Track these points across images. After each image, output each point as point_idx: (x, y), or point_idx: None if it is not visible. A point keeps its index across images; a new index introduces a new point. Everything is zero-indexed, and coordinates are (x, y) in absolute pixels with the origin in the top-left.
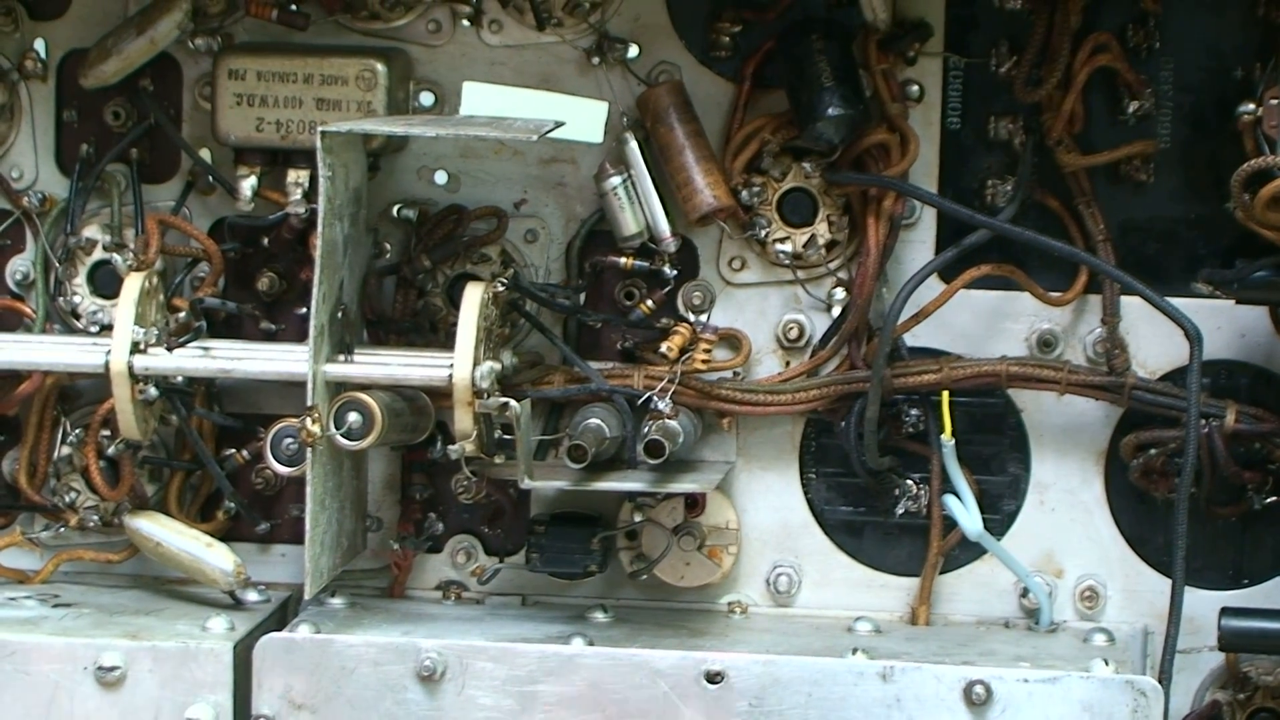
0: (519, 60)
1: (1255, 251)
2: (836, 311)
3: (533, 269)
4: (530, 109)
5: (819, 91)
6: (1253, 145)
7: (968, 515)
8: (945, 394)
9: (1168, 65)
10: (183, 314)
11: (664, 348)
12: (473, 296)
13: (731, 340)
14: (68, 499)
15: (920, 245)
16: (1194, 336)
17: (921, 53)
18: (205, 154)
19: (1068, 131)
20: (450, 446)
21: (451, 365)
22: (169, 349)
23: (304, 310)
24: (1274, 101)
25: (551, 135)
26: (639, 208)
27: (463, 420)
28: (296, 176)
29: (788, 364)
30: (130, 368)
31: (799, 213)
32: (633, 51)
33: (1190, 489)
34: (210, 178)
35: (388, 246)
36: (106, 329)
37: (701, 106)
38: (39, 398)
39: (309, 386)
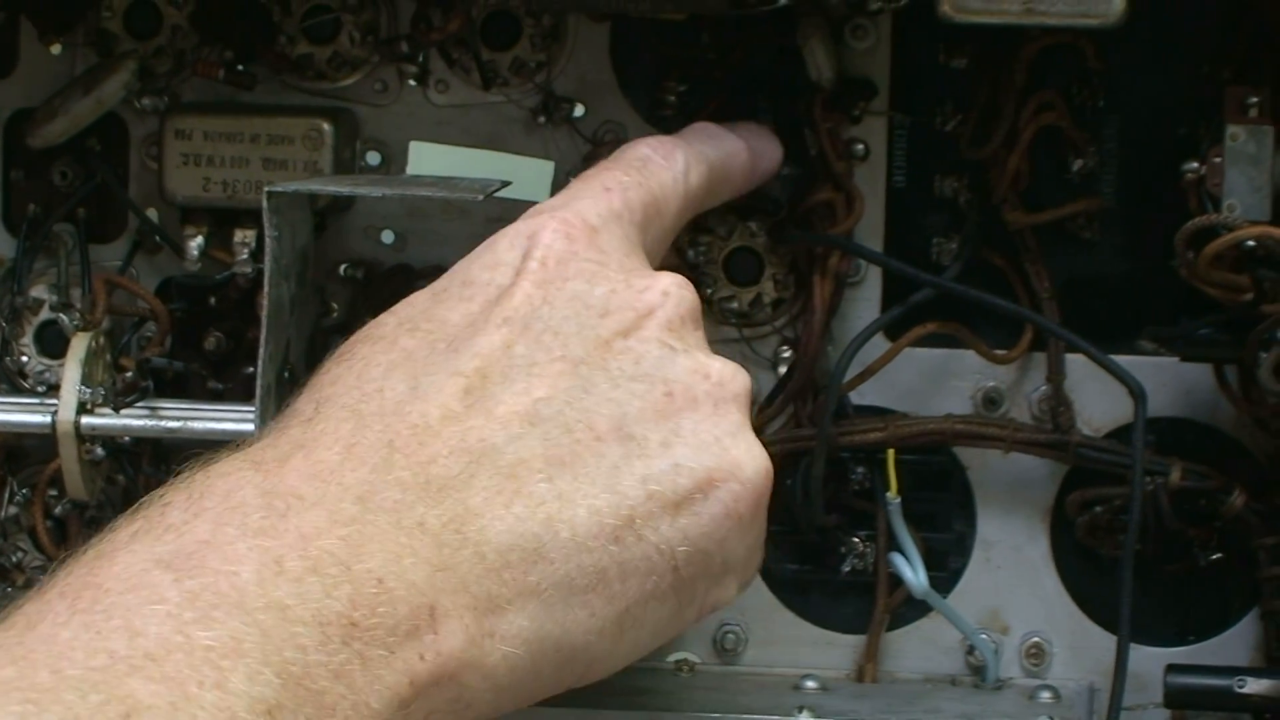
0: (465, 119)
1: (1199, 309)
2: (783, 369)
3: None
4: (477, 168)
5: None
6: (1196, 203)
7: (914, 573)
8: (891, 452)
9: (1112, 123)
10: (130, 374)
11: None
12: None
13: None
14: (14, 559)
15: (866, 303)
16: (1138, 394)
17: (867, 112)
18: (152, 214)
19: (1013, 189)
20: None
21: None
22: (116, 409)
23: (250, 370)
24: (1217, 160)
25: (498, 195)
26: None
27: None
28: (243, 236)
29: None
30: (77, 427)
31: (745, 272)
32: (579, 110)
33: (1136, 546)
34: (157, 237)
35: (335, 306)
36: (54, 389)
37: None
38: None
39: None
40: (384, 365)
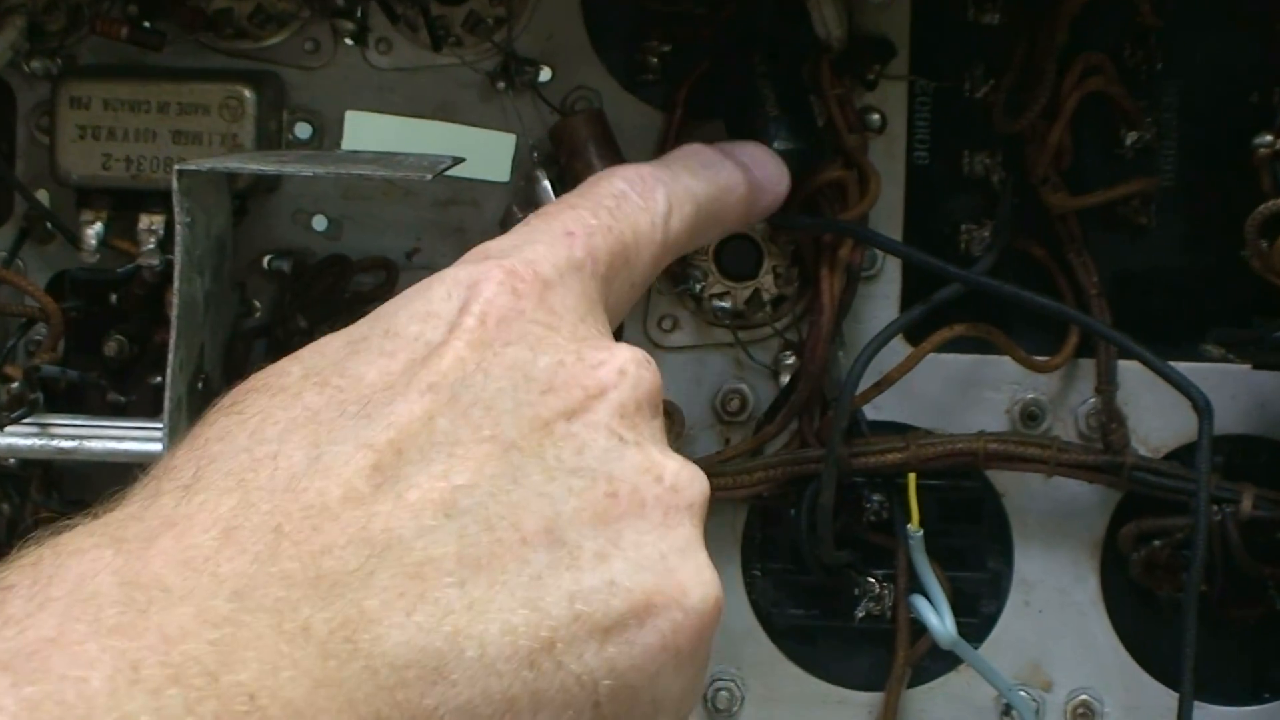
0: (411, 85)
1: (1274, 308)
2: (785, 379)
3: None
4: (425, 142)
5: (763, 122)
6: (1270, 182)
7: (940, 619)
8: (912, 476)
9: (1171, 90)
10: (15, 384)
11: None
12: None
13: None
14: None
15: (883, 301)
16: (1203, 408)
17: (883, 75)
18: (43, 196)
19: (1054, 168)
20: None
21: None
22: None
23: (159, 379)
24: None
25: (449, 174)
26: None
27: None
28: (150, 222)
29: (727, 441)
30: None
31: (740, 264)
32: (545, 75)
33: (1200, 586)
34: (49, 224)
35: (258, 304)
36: None
37: (626, 139)
38: None
39: None
40: (282, 425)
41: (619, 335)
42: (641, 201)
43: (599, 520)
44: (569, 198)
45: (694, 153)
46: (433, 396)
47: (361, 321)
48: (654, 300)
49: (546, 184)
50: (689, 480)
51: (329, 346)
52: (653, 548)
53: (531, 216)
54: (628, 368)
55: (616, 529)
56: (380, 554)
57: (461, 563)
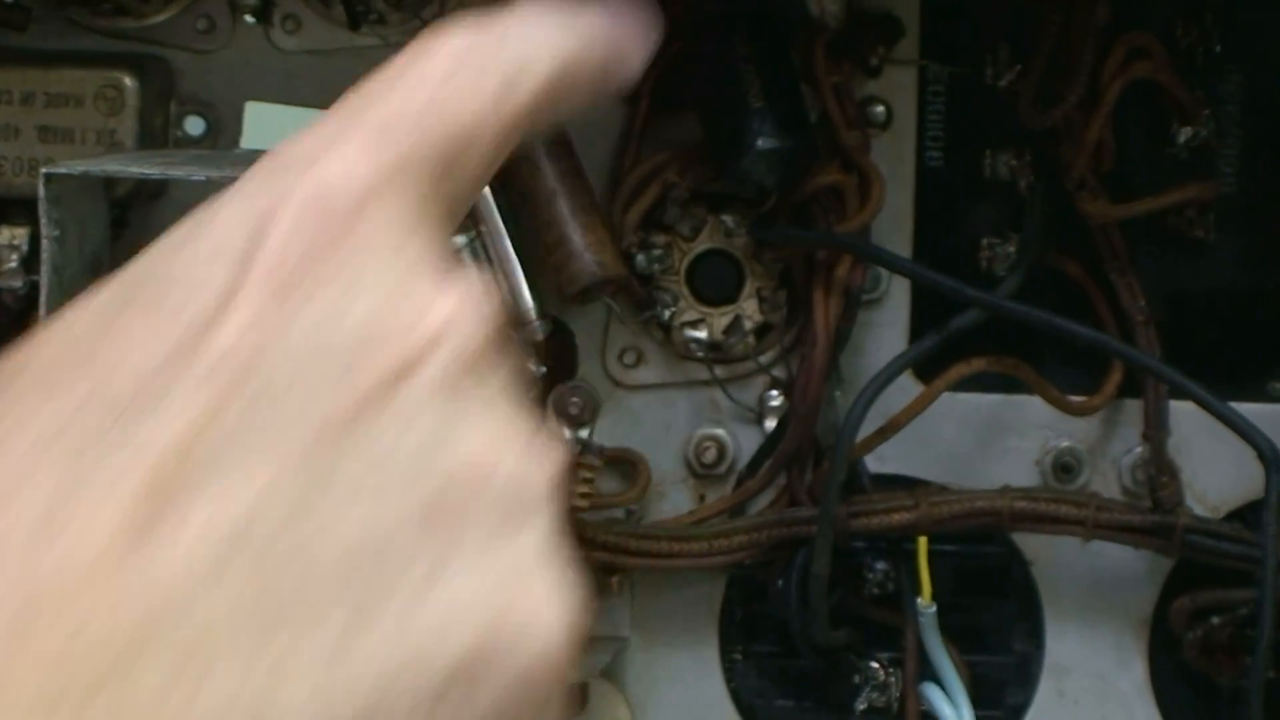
0: (325, 71)
1: None
2: (771, 424)
3: None
4: None
5: (745, 115)
6: None
7: (956, 711)
8: (923, 540)
9: (1233, 77)
10: None
11: None
12: None
13: (623, 465)
14: None
15: (888, 330)
16: (1271, 458)
17: (889, 60)
18: None
19: (1093, 170)
20: None
21: None
22: None
23: None
24: None
25: None
26: (491, 279)
27: None
28: (12, 236)
29: (702, 498)
30: None
31: (718, 285)
32: None
33: (1268, 672)
34: None
35: None
36: None
37: (581, 136)
38: None
39: None
40: (24, 449)
41: (574, 370)
42: (480, 73)
43: (422, 539)
44: (388, 72)
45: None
46: (213, 387)
47: (132, 265)
48: (614, 330)
49: (485, 190)
50: (534, 464)
51: (87, 311)
52: (489, 569)
53: (342, 102)
54: (456, 314)
55: (443, 549)
56: (148, 629)
57: (249, 626)
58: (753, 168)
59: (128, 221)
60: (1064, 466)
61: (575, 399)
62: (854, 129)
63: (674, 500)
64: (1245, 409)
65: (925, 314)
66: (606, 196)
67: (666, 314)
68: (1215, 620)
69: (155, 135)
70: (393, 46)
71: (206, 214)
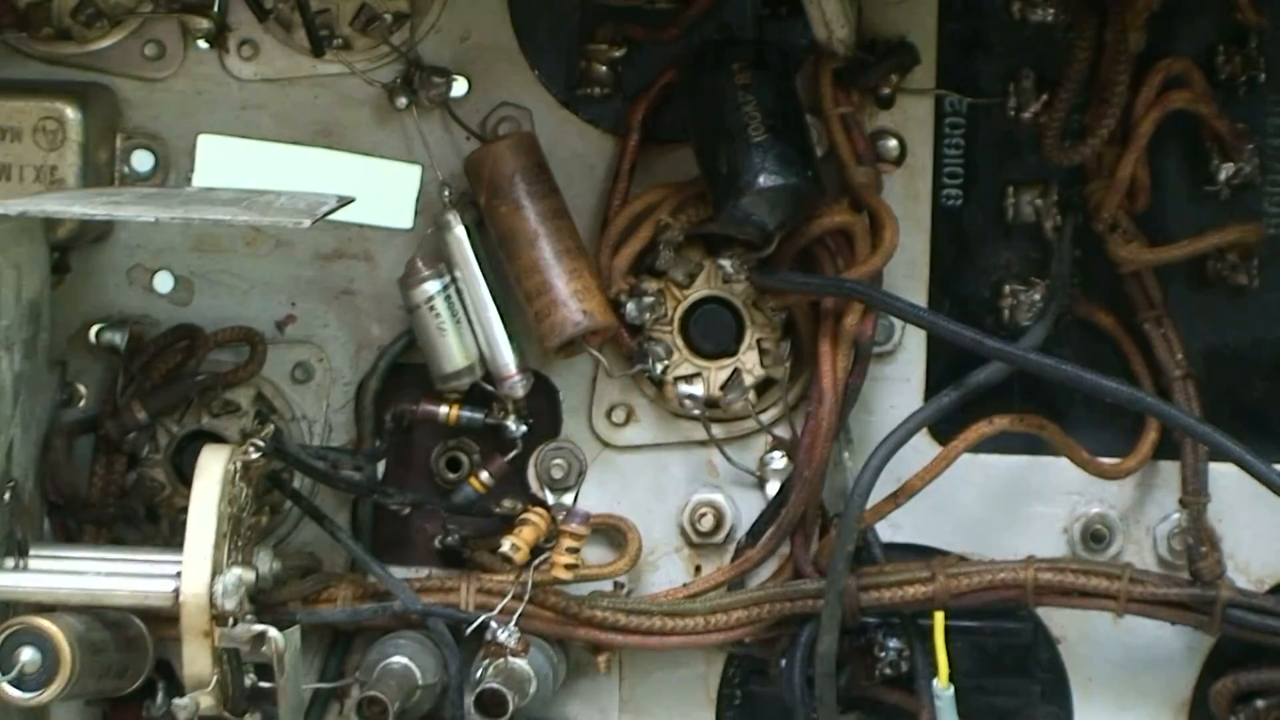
0: (285, 102)
1: None
2: (773, 488)
3: (304, 424)
4: (303, 176)
5: (744, 150)
6: None
7: None
8: (940, 615)
9: (1279, 108)
10: None
11: (507, 545)
12: (212, 467)
13: (612, 533)
14: None
15: (902, 385)
16: None
17: (902, 89)
18: None
19: (1127, 210)
20: (177, 701)
21: (179, 574)
22: None
23: None
24: None
25: (334, 218)
26: (468, 329)
27: (196, 659)
28: None
29: (698, 570)
30: None
31: (715, 336)
32: (459, 88)
33: None
34: None
35: (82, 389)
36: None
37: (565, 172)
38: None
39: None
40: None
41: (558, 429)
42: None
43: None
44: None
45: None
46: None
47: None
48: (601, 385)
49: (460, 232)
50: None
51: None
52: None
53: None
54: None
55: None
56: None
57: None
58: (753, 207)
59: (69, 266)
60: (1094, 535)
61: (559, 461)
62: (864, 165)
63: (667, 571)
64: None
65: (942, 368)
66: (593, 239)
67: (659, 368)
68: (1260, 704)
69: (100, 171)
70: (359, 75)
71: None
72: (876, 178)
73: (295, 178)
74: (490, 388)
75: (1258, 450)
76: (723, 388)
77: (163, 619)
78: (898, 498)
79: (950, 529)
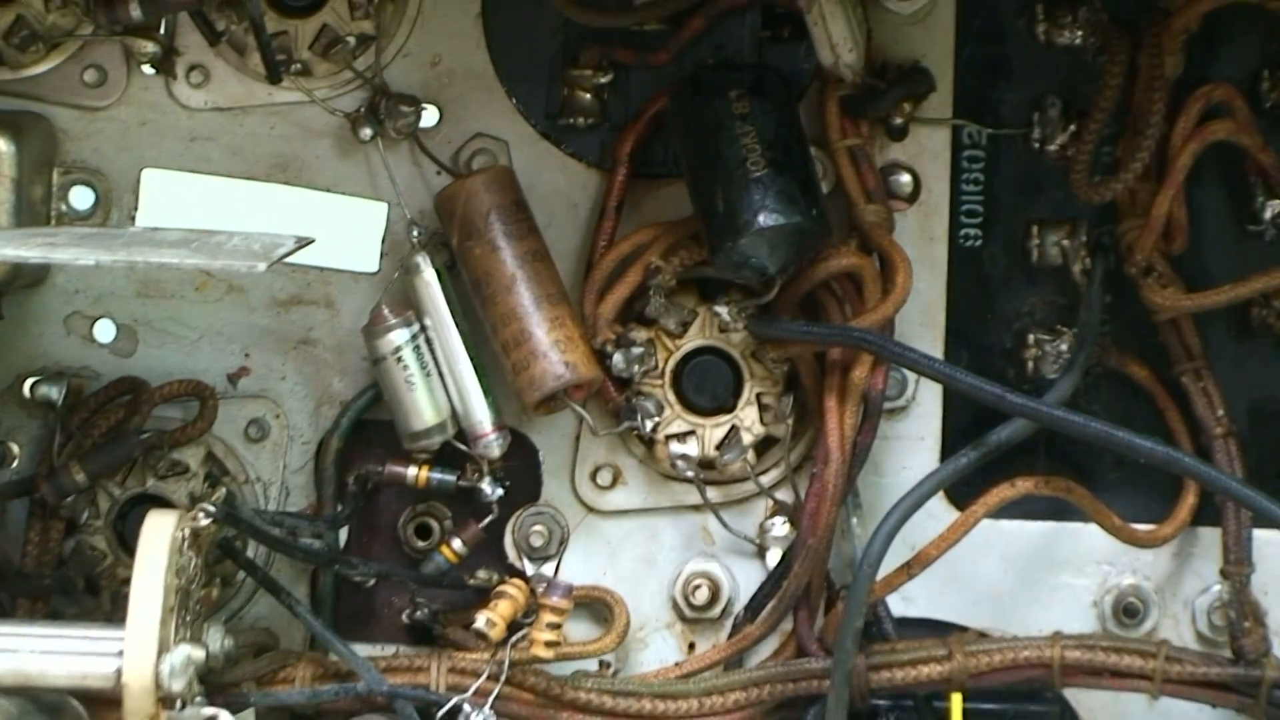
0: (238, 132)
1: None
2: (774, 557)
3: (259, 486)
4: (258, 214)
5: (743, 185)
6: None
7: None
8: (958, 698)
9: None
10: None
11: (482, 620)
12: (158, 535)
13: (597, 607)
14: None
15: (915, 444)
16: None
17: (917, 119)
18: None
19: (1163, 252)
20: None
21: (121, 652)
22: None
23: None
24: None
25: (292, 261)
26: (439, 383)
27: None
28: None
29: (692, 647)
30: None
31: (711, 390)
32: (430, 118)
33: None
34: None
35: (15, 449)
36: None
37: (546, 210)
38: None
39: None
40: None
41: (538, 492)
42: None
43: None
44: None
45: None
46: None
47: None
48: (585, 444)
49: (430, 275)
50: None
51: None
52: None
53: None
54: None
55: None
56: None
57: None
58: (752, 249)
59: (1, 314)
60: (1127, 609)
61: (539, 527)
62: (874, 202)
63: (658, 649)
64: None
65: (960, 425)
66: (577, 284)
67: (649, 425)
68: None
69: (35, 209)
70: (319, 104)
71: None
72: (888, 216)
73: (249, 216)
74: (463, 447)
75: None
76: (719, 447)
77: (104, 701)
78: (911, 568)
79: (969, 602)
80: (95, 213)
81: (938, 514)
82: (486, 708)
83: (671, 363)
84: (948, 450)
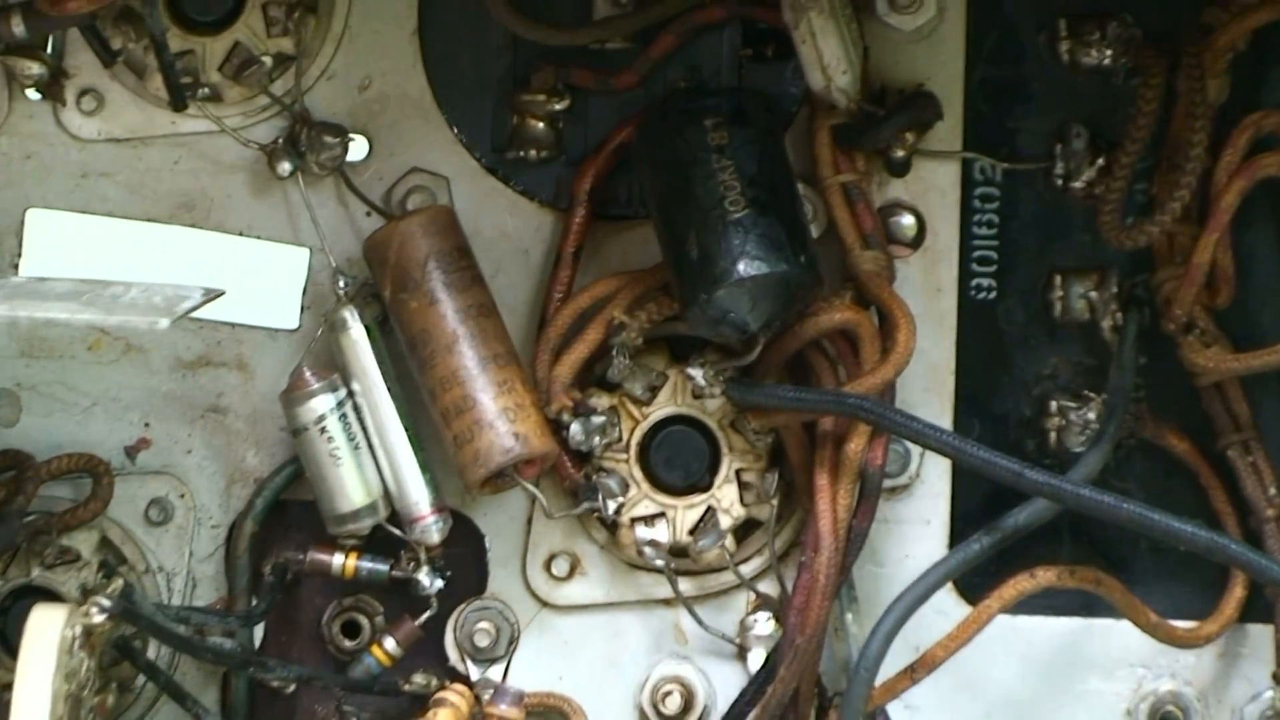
0: (136, 166)
1: None
2: (756, 658)
3: (162, 577)
4: (160, 262)
5: (720, 228)
6: None
7: None
8: None
9: None
10: None
11: None
12: (45, 633)
13: (552, 717)
14: None
15: (920, 529)
16: None
17: (921, 151)
18: None
19: (1205, 306)
20: None
21: None
22: None
23: None
24: None
25: (197, 315)
26: (368, 457)
27: None
28: None
29: None
30: None
31: (684, 466)
32: (359, 150)
33: None
34: None
35: None
36: None
37: (493, 256)
38: None
39: None
40: None
41: (484, 584)
42: None
43: None
44: None
45: None
46: None
47: None
48: (538, 528)
49: (359, 333)
50: None
51: None
52: None
53: None
54: None
55: None
56: None
57: None
58: (731, 302)
59: None
60: (1165, 717)
61: (484, 624)
62: (872, 248)
63: None
64: None
65: (971, 506)
66: (528, 342)
67: (611, 506)
68: None
69: None
70: (231, 133)
71: None
72: (888, 264)
73: (150, 263)
74: (397, 532)
75: None
76: (693, 532)
77: None
78: (915, 671)
79: (982, 711)
80: None
81: (946, 609)
82: None
83: (638, 434)
84: (957, 536)
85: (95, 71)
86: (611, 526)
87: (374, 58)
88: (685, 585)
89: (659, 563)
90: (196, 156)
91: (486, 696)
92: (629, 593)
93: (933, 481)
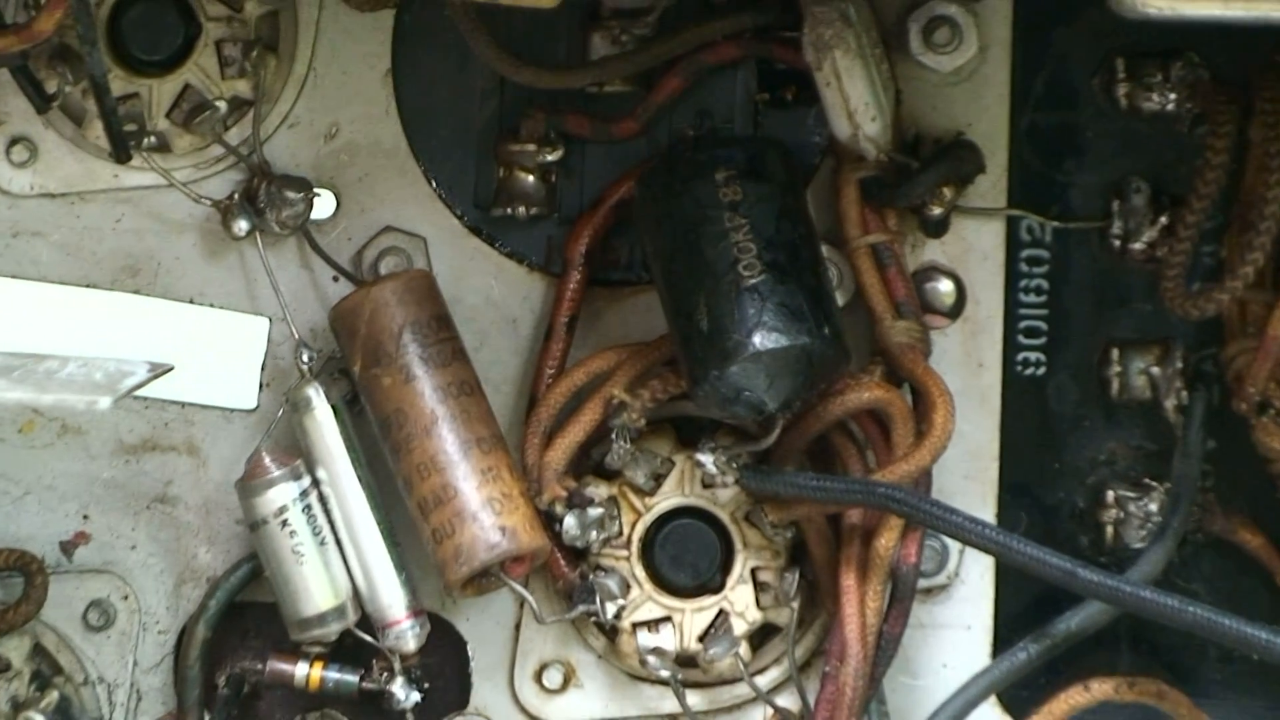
0: (74, 224)
1: None
2: None
3: (103, 689)
4: (100, 333)
5: (733, 296)
6: None
7: None
8: None
9: None
10: None
11: None
12: None
13: None
14: None
15: (961, 634)
16: None
17: (960, 208)
18: None
19: None
20: None
21: None
22: None
23: None
24: None
25: (142, 393)
26: (335, 554)
27: None
28: None
29: None
30: None
31: (691, 564)
32: (325, 207)
33: None
34: None
35: None
36: None
37: (476, 327)
38: None
39: None
40: None
41: (466, 696)
42: None
43: None
44: None
45: None
46: None
47: None
48: (527, 634)
49: (325, 413)
50: None
51: None
52: None
53: None
54: None
55: None
56: None
57: None
58: (746, 379)
59: None
60: None
61: None
62: (905, 318)
63: None
64: None
65: (1017, 609)
66: (517, 424)
67: (611, 610)
68: None
69: None
70: (181, 188)
71: None
72: (923, 336)
73: (90, 335)
74: (369, 638)
75: None
76: (702, 638)
77: None
78: None
79: None
80: None
81: None
82: None
83: (640, 528)
84: (1001, 643)
85: (28, 118)
86: (611, 632)
87: (342, 102)
88: (694, 699)
89: (664, 673)
90: (142, 214)
91: None
92: (630, 707)
93: (974, 581)
